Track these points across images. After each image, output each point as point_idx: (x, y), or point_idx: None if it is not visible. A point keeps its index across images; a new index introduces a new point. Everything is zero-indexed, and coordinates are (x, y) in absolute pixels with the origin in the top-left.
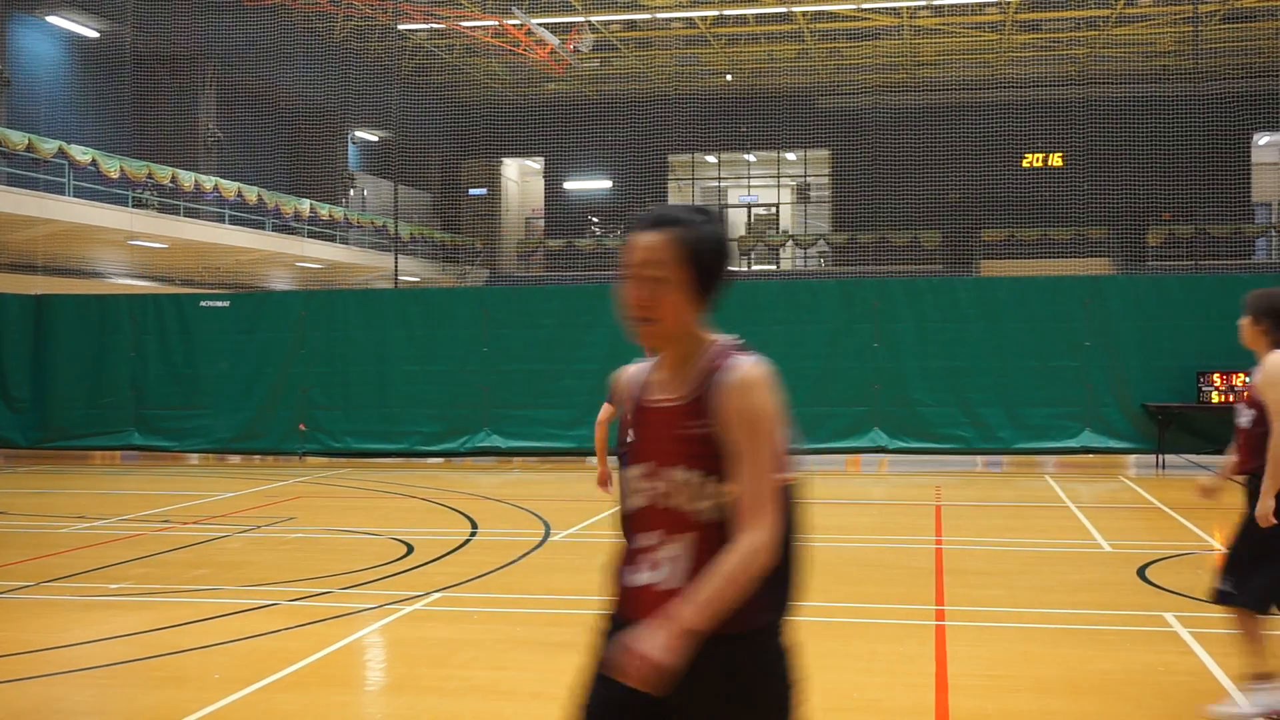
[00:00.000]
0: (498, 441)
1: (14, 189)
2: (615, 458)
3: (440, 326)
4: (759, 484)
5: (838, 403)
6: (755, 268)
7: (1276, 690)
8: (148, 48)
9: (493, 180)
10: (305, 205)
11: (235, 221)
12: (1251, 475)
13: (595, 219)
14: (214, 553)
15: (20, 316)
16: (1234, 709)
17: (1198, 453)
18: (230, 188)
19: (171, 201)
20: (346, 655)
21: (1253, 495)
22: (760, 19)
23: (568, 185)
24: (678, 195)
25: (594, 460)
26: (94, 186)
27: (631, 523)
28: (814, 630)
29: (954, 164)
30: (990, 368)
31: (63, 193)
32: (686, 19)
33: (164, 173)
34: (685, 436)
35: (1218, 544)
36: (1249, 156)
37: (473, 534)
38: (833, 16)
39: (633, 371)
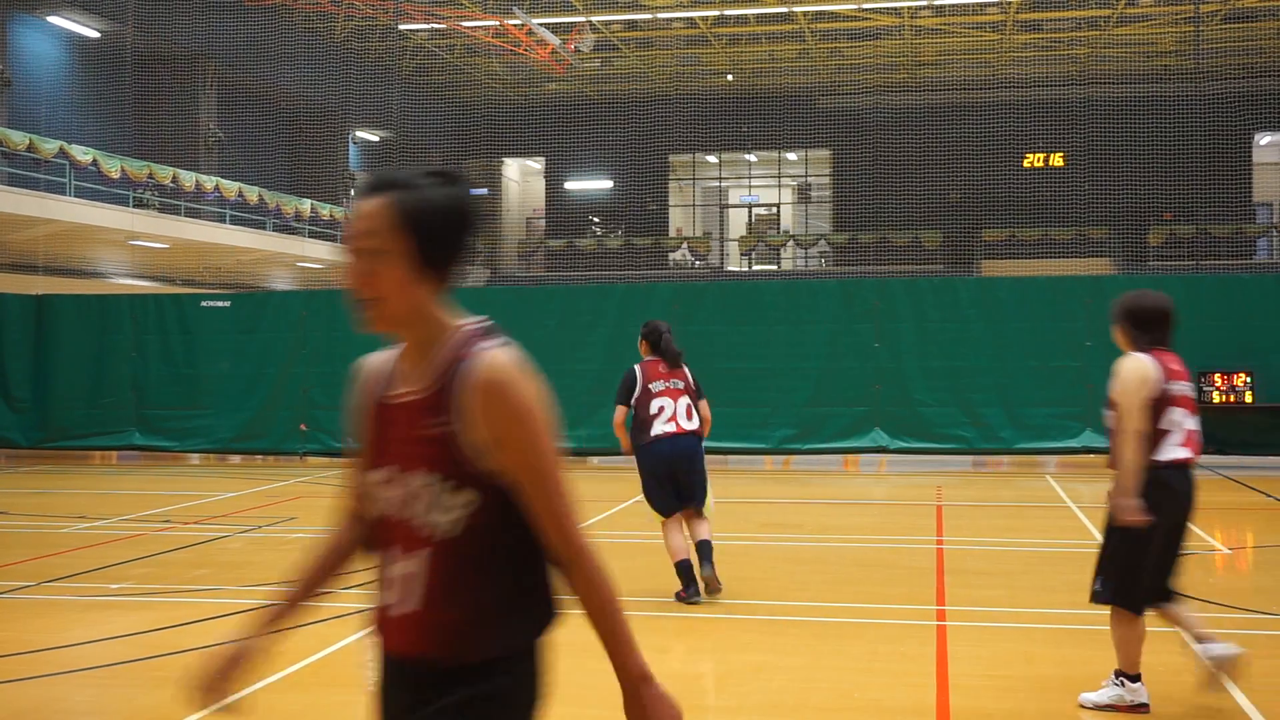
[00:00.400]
0: None
1: (15, 189)
2: (600, 458)
3: None
4: (549, 492)
5: (838, 403)
6: (756, 268)
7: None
8: (148, 48)
9: (493, 180)
10: (306, 205)
11: (236, 221)
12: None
13: (596, 219)
14: (215, 553)
15: (21, 316)
16: (1219, 648)
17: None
18: (231, 188)
19: (172, 201)
20: (346, 655)
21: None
22: (761, 19)
23: (569, 185)
24: (679, 195)
25: (594, 460)
26: (95, 186)
27: (374, 536)
28: (814, 630)
29: (955, 164)
30: (991, 368)
31: (64, 193)
32: (687, 19)
33: (165, 173)
34: (425, 437)
35: (1218, 544)
36: (1250, 156)
37: None
38: (834, 16)
39: (376, 361)
